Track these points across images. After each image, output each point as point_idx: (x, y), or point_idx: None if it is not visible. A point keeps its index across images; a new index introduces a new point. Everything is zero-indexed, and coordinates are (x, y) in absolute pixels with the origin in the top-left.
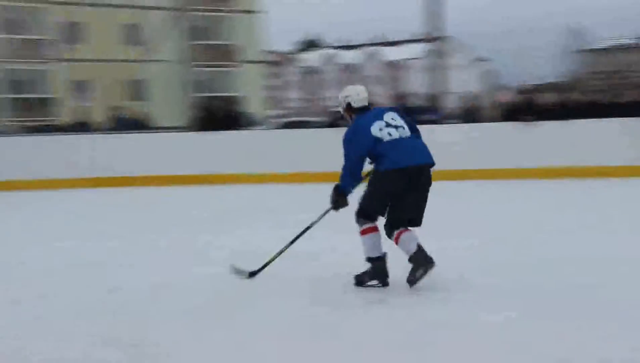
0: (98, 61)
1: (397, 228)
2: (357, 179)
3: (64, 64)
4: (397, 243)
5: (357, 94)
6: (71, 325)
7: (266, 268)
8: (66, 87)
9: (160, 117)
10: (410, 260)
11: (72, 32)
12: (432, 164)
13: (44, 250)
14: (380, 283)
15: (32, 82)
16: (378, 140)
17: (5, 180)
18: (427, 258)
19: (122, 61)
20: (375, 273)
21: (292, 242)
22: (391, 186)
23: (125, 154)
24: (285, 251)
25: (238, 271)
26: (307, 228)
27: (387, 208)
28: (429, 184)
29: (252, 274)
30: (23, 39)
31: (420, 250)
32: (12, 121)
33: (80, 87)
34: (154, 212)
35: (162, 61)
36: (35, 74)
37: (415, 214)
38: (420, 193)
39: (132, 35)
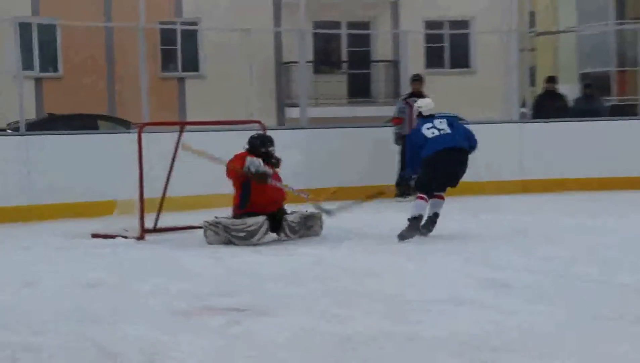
0: None
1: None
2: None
3: None
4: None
5: (426, 105)
6: None
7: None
8: None
9: None
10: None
11: None
12: (460, 147)
13: None
14: (412, 235)
15: None
16: (426, 138)
17: None
18: (423, 227)
19: None
20: (412, 227)
21: (365, 199)
22: (430, 167)
23: None
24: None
25: (322, 209)
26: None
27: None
28: (457, 162)
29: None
30: None
31: (431, 217)
32: None
33: None
34: None
35: None
36: None
37: (442, 183)
38: (448, 168)
39: None
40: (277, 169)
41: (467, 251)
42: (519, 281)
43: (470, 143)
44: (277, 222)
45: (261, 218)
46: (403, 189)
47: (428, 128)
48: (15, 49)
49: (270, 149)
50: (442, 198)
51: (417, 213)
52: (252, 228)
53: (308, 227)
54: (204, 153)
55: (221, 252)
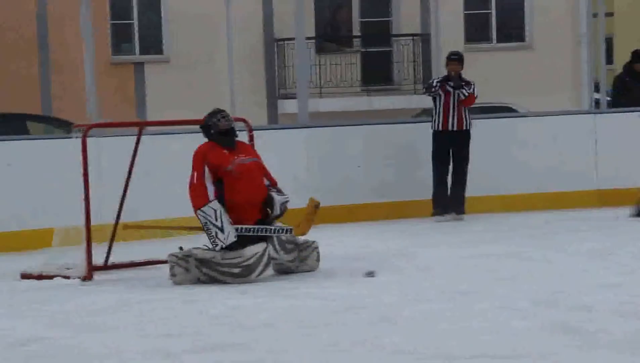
0: None
1: None
2: None
3: None
4: None
5: None
6: None
7: None
8: None
9: None
10: None
11: None
12: None
13: None
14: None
15: None
16: None
17: None
18: None
19: None
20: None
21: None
22: None
23: None
24: None
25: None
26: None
27: None
28: None
29: None
30: None
31: None
32: None
33: None
34: None
35: None
36: None
37: None
38: None
39: None
40: (240, 139)
41: (533, 289)
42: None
43: None
44: (260, 238)
45: (261, 247)
46: (441, 203)
47: None
48: None
49: (222, 123)
50: None
51: None
52: (251, 261)
53: (301, 259)
54: (156, 226)
55: (194, 294)
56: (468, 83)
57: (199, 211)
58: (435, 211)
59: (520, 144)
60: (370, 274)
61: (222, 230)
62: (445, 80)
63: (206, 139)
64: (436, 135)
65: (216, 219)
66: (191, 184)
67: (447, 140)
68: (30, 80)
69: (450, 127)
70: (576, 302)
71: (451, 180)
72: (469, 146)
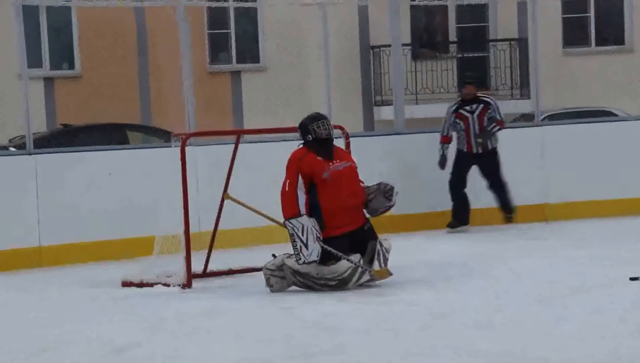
0: None
1: None
2: None
3: None
4: None
5: None
6: None
7: None
8: None
9: None
10: None
11: None
12: None
13: None
14: None
15: None
16: None
17: None
18: None
19: None
20: None
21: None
22: None
23: None
24: None
25: None
26: None
27: None
28: None
29: None
30: None
31: None
32: None
33: None
34: None
35: None
36: None
37: None
38: None
39: None
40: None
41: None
42: None
43: None
44: (360, 245)
45: (354, 259)
46: (461, 217)
47: None
48: (18, 41)
49: (320, 131)
50: None
51: None
52: (346, 274)
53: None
54: (250, 208)
55: (289, 300)
56: (488, 103)
57: (287, 222)
58: (452, 223)
59: (619, 149)
60: (635, 279)
61: (306, 246)
62: (460, 105)
63: (302, 141)
64: (460, 154)
65: (302, 234)
66: (283, 192)
67: (470, 161)
68: (130, 89)
69: (474, 150)
70: None
71: (494, 193)
72: (498, 161)
